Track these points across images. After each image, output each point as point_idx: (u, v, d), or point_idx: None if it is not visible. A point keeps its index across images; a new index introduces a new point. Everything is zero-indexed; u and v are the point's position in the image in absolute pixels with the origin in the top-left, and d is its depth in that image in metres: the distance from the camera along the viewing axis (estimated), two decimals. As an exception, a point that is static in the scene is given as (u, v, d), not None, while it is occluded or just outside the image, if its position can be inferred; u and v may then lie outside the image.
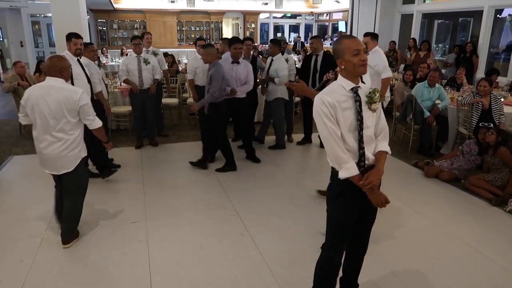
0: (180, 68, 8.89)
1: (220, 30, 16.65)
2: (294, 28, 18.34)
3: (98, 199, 4.16)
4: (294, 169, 5.25)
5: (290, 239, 3.43)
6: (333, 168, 2.17)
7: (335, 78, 3.86)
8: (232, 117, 5.42)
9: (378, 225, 2.47)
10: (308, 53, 6.31)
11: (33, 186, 4.51)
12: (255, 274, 2.94)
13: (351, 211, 2.19)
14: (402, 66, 9.06)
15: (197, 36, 16.39)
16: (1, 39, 15.22)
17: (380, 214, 2.41)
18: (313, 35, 17.43)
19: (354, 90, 2.08)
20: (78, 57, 4.40)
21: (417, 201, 4.23)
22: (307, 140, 6.12)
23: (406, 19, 10.11)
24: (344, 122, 2.07)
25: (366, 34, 4.88)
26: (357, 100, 2.07)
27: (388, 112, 7.63)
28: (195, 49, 6.20)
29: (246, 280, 2.87)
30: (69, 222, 3.29)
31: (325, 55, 5.57)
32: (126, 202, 4.11)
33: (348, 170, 2.07)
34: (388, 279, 2.89)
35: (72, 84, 4.18)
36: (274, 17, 17.92)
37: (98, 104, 4.75)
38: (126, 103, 6.48)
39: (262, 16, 17.20)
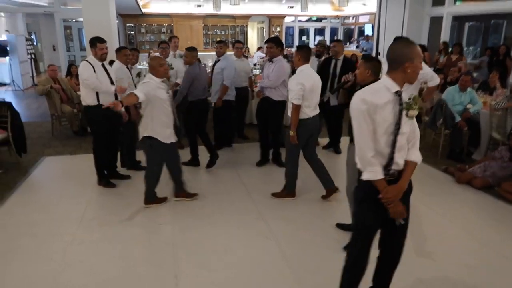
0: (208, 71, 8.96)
1: (245, 34, 16.73)
2: (320, 32, 18.22)
3: (126, 199, 4.24)
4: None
5: (316, 243, 3.39)
6: (360, 171, 2.14)
7: (355, 81, 3.79)
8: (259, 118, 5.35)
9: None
10: (326, 57, 6.03)
11: (64, 186, 4.64)
12: (279, 279, 2.91)
13: (374, 215, 2.17)
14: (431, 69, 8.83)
15: (223, 40, 16.56)
16: (36, 44, 15.79)
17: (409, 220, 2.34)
18: (338, 38, 17.27)
19: (398, 94, 2.04)
20: (103, 62, 4.39)
21: (447, 208, 4.09)
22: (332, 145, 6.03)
23: (436, 22, 9.86)
24: (381, 124, 2.03)
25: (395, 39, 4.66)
26: (401, 104, 2.03)
27: (417, 116, 7.45)
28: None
29: (270, 284, 2.85)
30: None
31: (345, 60, 5.45)
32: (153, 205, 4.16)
33: (373, 173, 2.06)
34: (416, 287, 2.81)
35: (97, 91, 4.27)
36: (299, 21, 17.86)
37: (126, 108, 4.84)
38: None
39: (287, 19, 17.18)
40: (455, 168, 4.91)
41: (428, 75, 4.33)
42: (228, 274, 2.97)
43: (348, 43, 16.06)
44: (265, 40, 5.22)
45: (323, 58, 5.90)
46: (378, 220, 2.18)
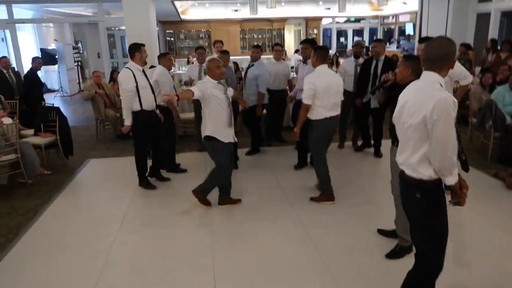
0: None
1: (282, 36, 16.70)
2: (358, 32, 17.85)
3: (166, 201, 4.32)
4: (355, 175, 5.01)
5: (357, 249, 3.28)
6: (423, 181, 2.06)
7: (395, 80, 3.65)
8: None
9: (454, 239, 2.27)
10: (367, 57, 5.86)
11: (107, 187, 4.80)
12: (318, 286, 2.84)
13: (447, 218, 2.13)
14: (478, 69, 8.39)
15: (260, 43, 16.65)
16: (82, 52, 16.57)
17: (457, 228, 2.22)
18: (379, 38, 16.85)
19: None
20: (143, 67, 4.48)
21: (498, 215, 3.85)
22: (367, 145, 5.88)
23: (482, 18, 9.38)
24: None
25: (421, 40, 4.33)
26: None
27: (464, 118, 7.10)
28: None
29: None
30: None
31: (386, 60, 5.27)
32: (192, 206, 4.20)
33: (456, 176, 2.02)
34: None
35: (139, 95, 4.35)
36: (337, 22, 17.59)
37: (167, 111, 4.95)
38: (193, 110, 6.67)
39: (324, 21, 16.98)
40: (506, 173, 4.62)
41: (461, 74, 4.12)
42: (266, 279, 2.94)
43: (388, 43, 15.62)
44: (300, 41, 5.16)
45: (364, 58, 5.75)
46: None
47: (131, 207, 4.23)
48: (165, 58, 5.09)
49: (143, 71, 4.46)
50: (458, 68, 4.15)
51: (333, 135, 4.26)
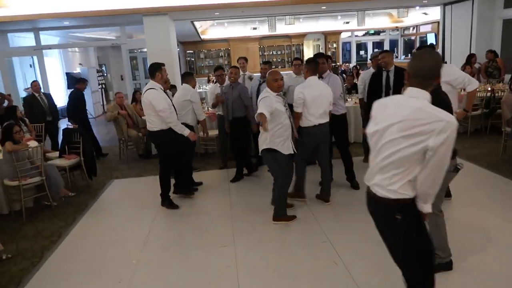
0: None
1: (301, 52, 16.71)
2: (378, 45, 17.69)
3: (188, 222, 4.24)
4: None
5: (388, 268, 3.08)
6: (405, 200, 1.89)
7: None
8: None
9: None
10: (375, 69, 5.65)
11: (131, 208, 4.76)
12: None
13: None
14: (508, 76, 8.07)
15: (278, 60, 16.71)
16: (105, 74, 17.02)
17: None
18: (384, 49, 16.67)
19: None
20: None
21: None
22: None
23: (509, 25, 9.08)
24: None
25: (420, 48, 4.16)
26: None
27: (495, 128, 6.80)
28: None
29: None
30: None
31: (397, 70, 5.09)
32: (215, 225, 4.11)
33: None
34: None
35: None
36: (356, 36, 17.50)
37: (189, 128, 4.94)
38: (213, 127, 6.65)
39: (343, 35, 16.92)
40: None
41: (465, 80, 3.87)
42: (295, 302, 2.78)
43: (409, 55, 15.38)
44: (314, 56, 4.99)
45: (376, 70, 5.59)
46: None
47: (154, 228, 4.16)
48: (192, 78, 5.20)
49: (164, 90, 4.47)
50: (458, 74, 3.92)
51: (326, 141, 4.39)
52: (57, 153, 5.83)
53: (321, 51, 16.69)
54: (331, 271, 3.13)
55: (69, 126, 5.98)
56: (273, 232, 3.88)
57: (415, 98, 1.82)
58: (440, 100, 2.71)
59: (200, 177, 5.50)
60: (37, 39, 9.97)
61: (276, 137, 3.77)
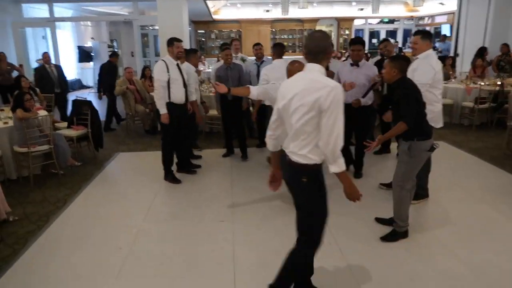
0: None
1: (313, 37, 16.55)
2: (392, 34, 17.43)
3: (189, 197, 4.35)
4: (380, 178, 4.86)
5: (382, 251, 3.17)
6: (310, 165, 2.16)
7: (382, 81, 3.57)
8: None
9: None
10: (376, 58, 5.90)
11: (135, 181, 4.88)
12: (339, 275, 2.77)
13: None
14: (520, 71, 7.99)
15: (289, 44, 16.59)
16: (116, 50, 17.06)
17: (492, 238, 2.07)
18: (385, 38, 16.37)
19: None
20: (178, 62, 4.58)
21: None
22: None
23: (526, 19, 8.93)
24: None
25: (416, 33, 3.97)
26: None
27: (502, 122, 6.78)
28: (289, 57, 6.21)
29: (329, 280, 2.72)
30: None
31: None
32: (215, 201, 4.21)
33: (341, 167, 2.11)
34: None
35: (169, 88, 4.44)
36: (370, 23, 17.26)
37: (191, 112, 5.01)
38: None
39: (357, 22, 16.70)
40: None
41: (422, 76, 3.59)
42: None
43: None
44: (350, 41, 4.87)
45: (375, 59, 5.61)
46: None
47: (156, 200, 4.28)
48: (194, 55, 5.16)
49: (177, 65, 4.53)
50: (421, 66, 3.71)
51: None
52: (65, 124, 5.96)
53: (333, 37, 16.51)
54: (325, 249, 3.22)
55: (78, 98, 6.06)
56: (272, 211, 3.97)
57: (310, 70, 2.13)
58: (406, 86, 3.14)
59: (204, 155, 5.60)
60: (51, 10, 10.02)
61: None
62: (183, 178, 4.81)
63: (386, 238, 3.33)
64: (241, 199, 4.24)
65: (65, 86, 7.61)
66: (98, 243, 3.41)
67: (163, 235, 3.55)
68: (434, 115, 3.76)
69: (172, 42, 4.48)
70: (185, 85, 4.62)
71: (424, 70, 3.68)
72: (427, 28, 16.25)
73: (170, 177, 4.74)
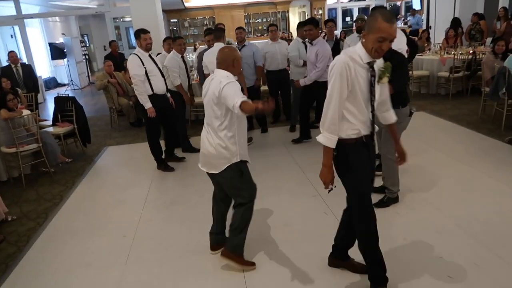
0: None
1: (287, 19, 16.58)
2: (364, 11, 17.62)
3: (184, 182, 4.43)
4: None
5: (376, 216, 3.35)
6: (339, 139, 2.21)
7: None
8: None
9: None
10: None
11: (127, 172, 4.92)
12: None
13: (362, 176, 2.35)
14: (489, 39, 8.28)
15: (265, 27, 16.59)
16: (88, 45, 16.68)
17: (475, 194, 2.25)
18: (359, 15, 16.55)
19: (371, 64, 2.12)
20: (149, 52, 4.50)
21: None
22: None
23: (492, -12, 9.22)
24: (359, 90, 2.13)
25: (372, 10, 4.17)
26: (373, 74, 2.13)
27: (476, 89, 7.06)
28: (264, 40, 6.36)
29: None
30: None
31: None
32: (210, 185, 4.28)
33: (322, 138, 2.19)
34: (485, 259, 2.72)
35: (149, 81, 4.43)
36: (341, 1, 17.38)
37: (178, 95, 5.05)
38: (198, 94, 6.75)
39: (329, 1, 16.79)
40: (521, 139, 4.63)
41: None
42: (290, 246, 3.03)
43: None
44: (301, 22, 5.30)
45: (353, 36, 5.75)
46: None
47: (152, 189, 4.35)
48: (175, 43, 5.14)
49: (150, 56, 4.49)
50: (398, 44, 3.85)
51: None
52: (49, 122, 5.89)
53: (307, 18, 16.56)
54: (322, 218, 3.39)
55: (60, 95, 5.98)
56: (266, 189, 4.08)
57: (218, 76, 2.55)
58: (396, 58, 3.16)
59: (193, 141, 5.67)
60: (18, 8, 9.71)
61: (243, 140, 2.70)
62: (175, 166, 4.87)
63: (379, 204, 3.50)
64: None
65: (32, 86, 7.29)
66: (102, 233, 3.47)
67: (164, 220, 3.63)
68: None
69: (139, 34, 4.39)
70: (162, 75, 4.62)
71: (399, 38, 3.82)
72: (398, 4, 16.51)
73: (163, 166, 4.79)
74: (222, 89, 2.43)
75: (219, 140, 2.58)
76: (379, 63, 2.19)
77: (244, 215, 2.74)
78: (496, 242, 2.86)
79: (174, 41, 5.20)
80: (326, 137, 2.17)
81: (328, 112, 2.14)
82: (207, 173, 2.78)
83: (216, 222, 3.02)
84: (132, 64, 4.36)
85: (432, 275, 2.57)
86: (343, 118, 2.16)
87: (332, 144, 2.18)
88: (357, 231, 2.39)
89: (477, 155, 4.52)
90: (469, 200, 3.49)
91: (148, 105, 4.43)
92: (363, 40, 2.09)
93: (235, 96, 2.37)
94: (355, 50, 2.12)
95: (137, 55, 4.40)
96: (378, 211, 3.24)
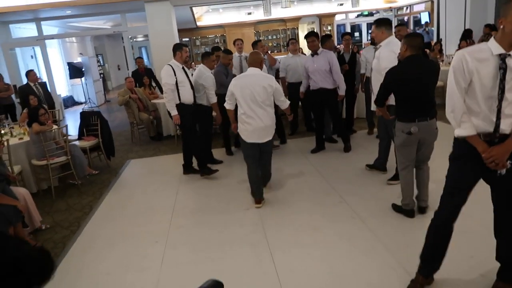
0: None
1: (296, 35, 16.87)
2: (372, 26, 17.89)
3: (209, 192, 4.54)
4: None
5: (402, 219, 3.42)
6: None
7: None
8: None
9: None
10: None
11: (153, 183, 5.04)
12: (371, 251, 3.00)
13: (468, 173, 2.21)
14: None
15: (275, 44, 16.92)
16: (103, 64, 17.10)
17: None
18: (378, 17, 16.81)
19: (502, 57, 1.98)
20: (184, 65, 4.82)
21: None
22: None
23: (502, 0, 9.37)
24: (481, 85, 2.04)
25: (373, 23, 4.18)
26: (502, 67, 1.98)
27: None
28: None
29: (364, 256, 2.94)
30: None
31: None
32: (235, 194, 4.39)
33: (466, 129, 2.10)
34: None
35: (178, 90, 4.66)
36: (350, 17, 17.68)
37: (206, 111, 5.19)
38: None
39: (337, 17, 17.10)
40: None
41: (382, 64, 3.74)
42: (320, 248, 3.11)
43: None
44: (304, 36, 5.52)
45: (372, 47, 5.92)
46: (470, 178, 2.23)
47: (179, 198, 4.45)
48: (209, 59, 5.12)
49: (183, 68, 4.77)
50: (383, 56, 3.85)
51: None
52: (73, 137, 6.07)
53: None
54: (350, 224, 3.46)
55: (85, 110, 6.18)
56: (292, 197, 4.18)
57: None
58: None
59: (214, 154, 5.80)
60: (39, 29, 10.08)
61: None
62: (196, 178, 4.98)
63: (394, 207, 3.59)
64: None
65: (51, 103, 7.58)
66: (134, 239, 3.58)
67: (194, 226, 3.74)
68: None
69: (181, 47, 4.74)
70: (192, 87, 4.83)
71: (387, 56, 3.79)
72: (406, 18, 16.75)
73: (206, 171, 4.89)
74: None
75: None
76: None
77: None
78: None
79: (206, 57, 5.28)
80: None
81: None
82: (257, 143, 3.92)
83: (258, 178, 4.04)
84: (165, 73, 4.64)
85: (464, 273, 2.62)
86: None
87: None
88: None
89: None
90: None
91: (174, 112, 4.65)
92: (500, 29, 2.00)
93: None
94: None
95: (170, 65, 4.66)
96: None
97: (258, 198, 4.01)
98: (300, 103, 6.51)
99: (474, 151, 2.12)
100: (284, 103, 3.93)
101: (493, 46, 2.01)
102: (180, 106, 4.71)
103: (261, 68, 3.92)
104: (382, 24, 4.01)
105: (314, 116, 5.65)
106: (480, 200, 2.53)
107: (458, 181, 2.25)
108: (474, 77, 2.04)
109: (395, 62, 3.53)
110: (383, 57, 3.82)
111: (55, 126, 5.40)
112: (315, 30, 17.00)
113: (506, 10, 1.95)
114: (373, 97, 3.80)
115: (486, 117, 2.08)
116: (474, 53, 2.04)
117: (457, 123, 2.16)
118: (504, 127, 2.06)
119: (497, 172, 2.12)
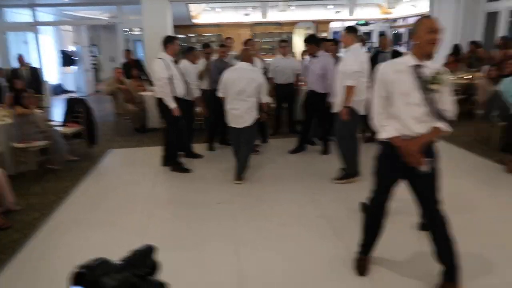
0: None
1: (291, 40, 16.99)
2: (367, 35, 18.07)
3: (186, 184, 4.61)
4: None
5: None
6: None
7: None
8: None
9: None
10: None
11: (131, 172, 5.10)
12: (329, 246, 3.08)
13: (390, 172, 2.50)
14: (486, 67, 8.56)
15: (270, 47, 17.02)
16: (97, 55, 17.03)
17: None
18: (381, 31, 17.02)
19: (416, 68, 2.29)
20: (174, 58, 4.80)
21: (499, 195, 4.06)
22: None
23: (491, 17, 9.57)
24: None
25: (345, 28, 4.49)
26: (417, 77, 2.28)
27: (469, 113, 7.29)
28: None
29: (319, 250, 3.03)
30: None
31: (394, 52, 5.56)
32: (211, 187, 4.47)
33: (387, 132, 2.37)
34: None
35: (171, 84, 4.68)
36: (346, 25, 17.85)
37: (189, 104, 5.24)
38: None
39: (333, 25, 17.25)
40: (508, 160, 4.81)
41: (347, 71, 4.05)
42: (285, 244, 3.19)
43: (398, 46, 15.83)
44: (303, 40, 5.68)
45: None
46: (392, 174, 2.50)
47: (156, 189, 4.52)
48: (191, 54, 5.35)
49: (175, 61, 4.79)
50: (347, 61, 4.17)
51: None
52: (59, 122, 6.08)
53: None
54: (315, 224, 3.54)
55: (71, 96, 6.20)
56: (267, 194, 4.26)
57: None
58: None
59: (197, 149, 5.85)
60: (34, 15, 10.07)
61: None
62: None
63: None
64: (235, 185, 4.51)
65: (36, 88, 7.57)
66: (111, 226, 3.62)
67: (172, 216, 3.83)
68: (356, 101, 4.18)
69: (172, 39, 4.73)
70: (185, 81, 4.89)
71: (353, 60, 4.15)
72: (402, 30, 16.96)
73: (180, 168, 4.94)
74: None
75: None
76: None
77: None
78: None
79: (189, 51, 5.42)
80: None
81: None
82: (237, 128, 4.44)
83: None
84: (158, 67, 4.60)
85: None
86: None
87: None
88: None
89: (470, 172, 4.70)
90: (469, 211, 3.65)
91: (173, 105, 4.64)
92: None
93: None
94: None
95: (161, 59, 4.64)
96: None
97: (237, 175, 4.52)
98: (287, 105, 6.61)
99: (396, 152, 2.36)
100: (264, 98, 4.57)
101: (409, 59, 2.32)
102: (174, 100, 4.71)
103: (251, 63, 4.47)
104: (352, 31, 4.35)
105: (304, 117, 5.71)
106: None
107: (382, 179, 2.52)
108: (394, 87, 2.31)
109: (357, 66, 4.06)
110: (348, 60, 4.17)
111: (38, 110, 5.42)
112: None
113: (415, 28, 2.32)
114: (335, 97, 4.30)
115: (405, 122, 2.33)
116: (394, 65, 2.35)
117: (379, 127, 2.41)
118: (421, 131, 2.34)
119: (418, 170, 2.34)
